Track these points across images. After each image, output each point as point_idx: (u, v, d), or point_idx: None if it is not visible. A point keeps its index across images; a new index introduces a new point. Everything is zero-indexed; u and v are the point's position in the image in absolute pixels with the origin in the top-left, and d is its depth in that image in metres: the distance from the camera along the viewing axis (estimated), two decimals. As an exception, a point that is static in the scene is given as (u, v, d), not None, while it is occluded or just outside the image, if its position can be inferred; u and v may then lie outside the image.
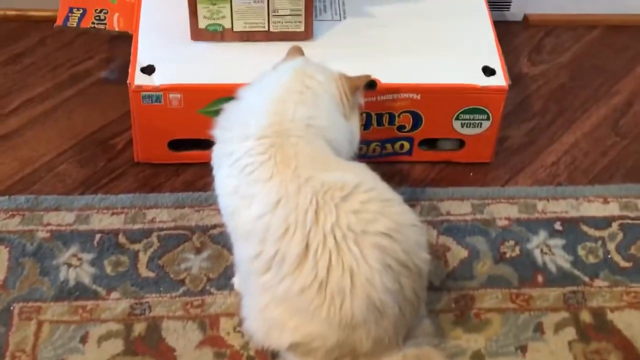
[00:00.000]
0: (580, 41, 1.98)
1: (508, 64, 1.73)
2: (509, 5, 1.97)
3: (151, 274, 1.47)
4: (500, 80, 1.58)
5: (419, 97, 1.58)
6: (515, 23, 2.00)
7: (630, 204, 1.62)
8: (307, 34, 1.62)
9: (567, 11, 2.00)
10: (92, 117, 1.74)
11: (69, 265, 1.48)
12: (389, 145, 1.67)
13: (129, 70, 1.55)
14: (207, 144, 1.63)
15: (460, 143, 1.67)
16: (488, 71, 1.60)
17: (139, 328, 1.40)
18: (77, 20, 1.69)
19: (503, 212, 1.60)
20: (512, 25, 1.99)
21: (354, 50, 1.63)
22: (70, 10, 1.70)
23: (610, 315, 1.45)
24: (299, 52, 1.41)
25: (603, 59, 1.94)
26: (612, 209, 1.61)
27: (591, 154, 1.73)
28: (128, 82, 1.54)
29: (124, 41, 1.68)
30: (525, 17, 2.00)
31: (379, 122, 1.62)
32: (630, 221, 1.59)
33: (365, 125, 1.62)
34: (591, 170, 1.70)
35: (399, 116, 1.61)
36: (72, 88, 1.80)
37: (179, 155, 1.65)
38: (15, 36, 1.90)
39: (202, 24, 1.59)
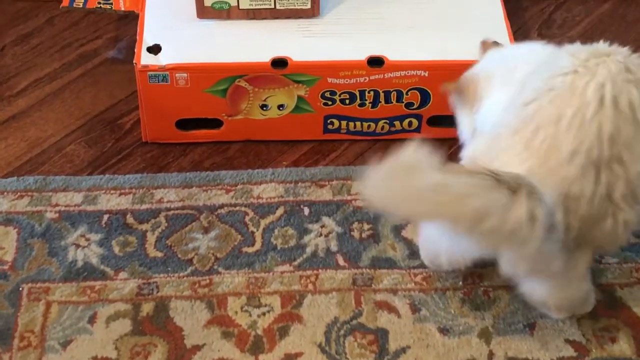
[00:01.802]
0: (591, 15, 1.96)
1: (518, 39, 1.71)
2: (519, -21, 1.95)
3: (159, 254, 1.48)
4: (508, 56, 1.57)
5: (426, 74, 1.57)
6: (525, -3, 1.98)
7: None
8: (313, 11, 1.61)
9: (579, -16, 1.98)
10: (99, 97, 1.74)
11: (77, 246, 1.48)
12: (397, 123, 1.66)
13: (135, 50, 1.55)
14: (214, 123, 1.64)
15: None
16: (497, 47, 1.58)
17: (147, 308, 1.41)
18: (83, 1, 1.68)
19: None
20: (522, -1, 1.98)
21: (361, 26, 1.62)
22: (76, -10, 1.70)
23: (619, 292, 1.44)
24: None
25: (614, 32, 1.92)
26: (622, 185, 1.60)
27: (601, 130, 1.71)
28: (134, 62, 1.53)
29: (132, 20, 1.68)
30: (536, -9, 1.98)
31: (387, 100, 1.61)
32: None
33: (373, 102, 1.61)
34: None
35: (406, 93, 1.60)
36: (80, 68, 1.80)
37: (187, 134, 1.65)
38: (23, 16, 1.90)
39: (208, 1, 1.58)
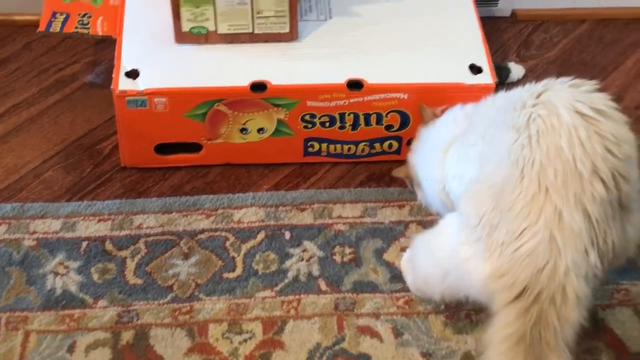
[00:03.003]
0: (569, 36, 1.97)
1: (496, 60, 1.72)
2: (497, 1, 1.95)
3: (139, 281, 1.46)
4: (487, 78, 1.57)
5: (406, 97, 1.57)
6: (504, 19, 1.99)
7: (621, 200, 1.61)
8: (292, 35, 1.61)
9: (556, 5, 1.99)
10: (77, 123, 1.73)
11: (56, 274, 1.47)
12: (377, 145, 1.66)
13: (113, 75, 1.54)
14: (193, 147, 1.63)
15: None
16: (475, 69, 1.58)
17: (126, 336, 1.39)
18: (60, 25, 1.67)
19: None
20: (500, 21, 1.98)
21: (340, 50, 1.62)
22: (54, 15, 1.68)
23: (601, 314, 1.44)
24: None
25: (592, 53, 1.93)
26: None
27: (581, 150, 1.72)
28: (112, 87, 1.52)
29: (110, 44, 1.66)
30: (514, 13, 1.99)
31: (367, 122, 1.61)
32: (620, 217, 1.58)
33: (353, 125, 1.61)
34: (581, 167, 1.69)
35: (386, 116, 1.60)
36: (58, 93, 1.78)
37: (166, 159, 1.64)
38: (1, 41, 1.89)
39: (186, 26, 1.58)
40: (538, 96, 1.22)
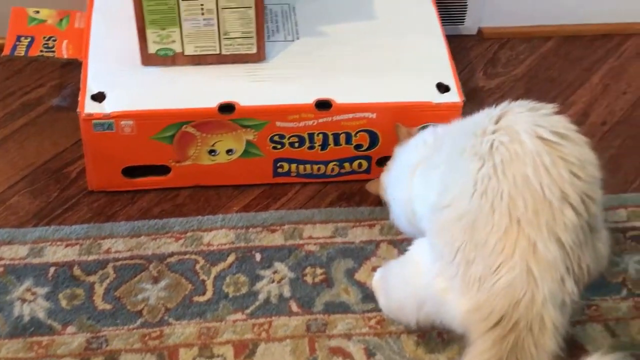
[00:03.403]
0: (535, 53, 1.98)
1: (464, 78, 1.73)
2: (463, 19, 1.97)
3: (108, 306, 1.45)
4: (454, 96, 1.58)
5: (374, 116, 1.57)
6: (470, 37, 2.00)
7: (589, 215, 1.62)
8: (259, 56, 1.61)
9: (521, 23, 2.00)
10: (44, 147, 1.71)
11: (23, 301, 1.45)
12: (347, 165, 1.66)
13: (79, 99, 1.53)
14: (162, 169, 1.62)
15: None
16: (442, 88, 1.59)
17: (96, 363, 1.38)
18: (25, 49, 1.66)
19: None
20: (466, 39, 1.99)
21: (308, 70, 1.62)
22: (18, 38, 1.67)
23: (572, 330, 1.44)
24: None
25: (558, 70, 1.95)
26: (572, 221, 1.61)
27: (549, 167, 1.73)
28: (78, 110, 1.51)
29: (76, 67, 1.65)
30: (480, 31, 2.00)
31: (336, 142, 1.61)
32: (589, 233, 1.59)
33: (323, 145, 1.61)
34: (550, 183, 1.70)
35: (355, 135, 1.60)
36: (24, 117, 1.76)
37: (134, 182, 1.63)
38: (-35, 65, 1.87)
39: (152, 48, 1.57)
40: (497, 121, 1.22)
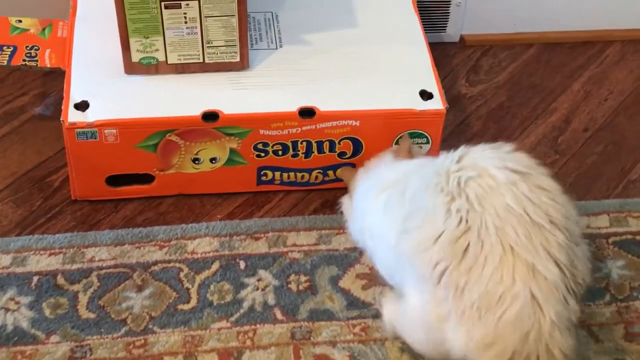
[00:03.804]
0: (517, 60, 1.99)
1: (446, 86, 1.74)
2: (445, 26, 1.98)
3: (92, 315, 1.44)
4: (437, 103, 1.59)
5: (358, 124, 1.58)
6: (452, 44, 2.01)
7: (572, 221, 1.63)
8: (242, 64, 1.61)
9: (503, 30, 2.02)
10: (27, 155, 1.71)
11: (7, 310, 1.44)
12: (331, 172, 1.66)
13: (62, 107, 1.52)
14: (145, 178, 1.62)
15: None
16: (425, 95, 1.60)
17: (80, 372, 1.37)
18: (7, 59, 1.65)
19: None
20: (448, 46, 2.00)
21: (291, 78, 1.62)
22: (1, 48, 1.67)
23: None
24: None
25: (540, 77, 1.96)
26: (554, 227, 1.62)
27: (532, 173, 1.74)
28: (61, 119, 1.51)
29: (59, 75, 1.65)
30: (462, 38, 2.01)
31: (320, 150, 1.61)
32: (572, 239, 1.60)
33: (306, 153, 1.61)
34: (532, 189, 1.71)
35: (339, 143, 1.61)
36: (6, 126, 1.76)
37: (118, 190, 1.62)
38: (-54, 75, 1.86)
39: (136, 57, 1.57)
40: (459, 160, 1.23)
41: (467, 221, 1.17)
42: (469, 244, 1.17)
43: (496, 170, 1.19)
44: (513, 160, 1.22)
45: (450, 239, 1.17)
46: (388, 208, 1.33)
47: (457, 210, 1.18)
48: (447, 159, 1.26)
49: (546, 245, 1.16)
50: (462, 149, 1.26)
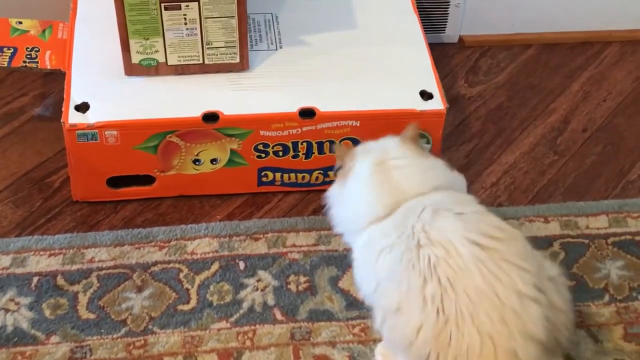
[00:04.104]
0: (516, 61, 2.00)
1: (445, 86, 1.74)
2: (444, 27, 1.98)
3: (91, 316, 1.44)
4: (437, 104, 1.59)
5: (358, 124, 1.58)
6: (451, 45, 2.01)
7: (571, 222, 1.63)
8: (242, 65, 1.61)
9: (502, 31, 2.02)
10: (27, 156, 1.71)
11: (7, 311, 1.44)
12: (331, 173, 1.66)
13: (63, 109, 1.53)
14: (146, 179, 1.62)
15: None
16: (425, 95, 1.60)
17: (80, 372, 1.37)
18: (7, 60, 1.65)
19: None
20: (448, 47, 2.01)
21: (292, 79, 1.62)
22: (1, 49, 1.67)
23: (555, 335, 1.46)
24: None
25: (539, 77, 1.96)
26: (553, 228, 1.62)
27: (530, 174, 1.74)
28: (62, 121, 1.51)
29: (59, 76, 1.65)
30: (461, 39, 2.01)
31: (320, 150, 1.62)
32: (571, 240, 1.60)
33: (307, 154, 1.62)
34: (531, 190, 1.71)
35: (339, 143, 1.61)
36: (6, 127, 1.76)
37: (118, 192, 1.63)
38: (-53, 76, 1.87)
39: (136, 59, 1.57)
40: (427, 231, 1.21)
41: (444, 311, 1.17)
42: (450, 336, 1.16)
43: (462, 248, 1.18)
44: (477, 231, 1.20)
45: (433, 333, 1.17)
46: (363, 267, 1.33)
47: (432, 297, 1.17)
48: (417, 222, 1.23)
49: (522, 326, 1.15)
50: (429, 210, 1.23)
